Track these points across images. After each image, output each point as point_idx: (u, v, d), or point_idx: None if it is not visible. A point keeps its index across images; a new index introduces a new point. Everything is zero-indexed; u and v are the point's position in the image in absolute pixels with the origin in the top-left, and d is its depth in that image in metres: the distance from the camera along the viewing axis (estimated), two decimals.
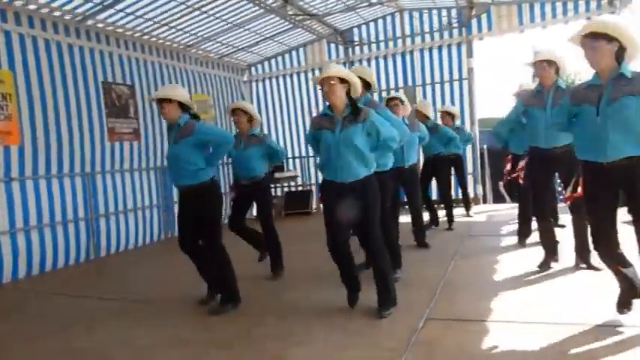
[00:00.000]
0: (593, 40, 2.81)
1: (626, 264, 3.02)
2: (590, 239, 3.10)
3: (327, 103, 3.68)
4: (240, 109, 5.13)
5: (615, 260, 3.01)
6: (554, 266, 4.49)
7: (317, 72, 10.39)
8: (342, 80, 3.54)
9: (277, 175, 9.81)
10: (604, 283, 3.80)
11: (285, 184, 10.77)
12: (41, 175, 6.22)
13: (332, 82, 3.51)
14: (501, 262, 4.95)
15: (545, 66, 4.20)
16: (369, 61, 10.19)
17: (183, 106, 4.06)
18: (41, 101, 6.20)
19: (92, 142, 6.93)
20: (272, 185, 10.69)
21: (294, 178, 10.55)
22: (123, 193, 7.43)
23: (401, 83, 9.94)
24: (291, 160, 10.75)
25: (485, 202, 9.68)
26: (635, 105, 2.72)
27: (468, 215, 8.00)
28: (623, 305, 3.08)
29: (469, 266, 4.93)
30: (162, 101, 4.00)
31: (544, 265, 4.48)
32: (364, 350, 3.08)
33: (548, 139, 4.14)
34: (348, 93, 3.59)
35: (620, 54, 2.79)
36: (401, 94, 6.00)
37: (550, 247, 4.51)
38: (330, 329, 3.45)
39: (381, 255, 3.71)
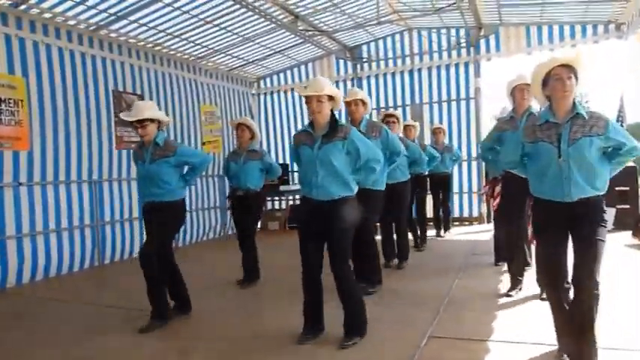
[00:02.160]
0: (568, 71, 2.74)
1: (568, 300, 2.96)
2: (537, 273, 3.00)
3: (309, 119, 3.58)
4: (244, 124, 5.39)
5: (561, 294, 2.94)
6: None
7: None
8: (329, 97, 3.46)
9: (282, 188, 9.85)
10: (610, 307, 3.79)
11: (290, 197, 10.80)
12: (49, 181, 6.27)
13: (322, 100, 3.41)
14: (505, 281, 4.93)
15: (525, 90, 4.22)
16: (376, 77, 10.27)
17: (159, 123, 4.12)
18: (52, 108, 6.28)
19: (100, 149, 7.00)
20: (271, 198, 10.82)
21: (298, 191, 10.56)
22: (129, 202, 7.46)
23: (408, 101, 10.01)
24: (296, 174, 10.77)
25: (489, 221, 9.65)
26: (593, 146, 2.71)
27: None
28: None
29: (472, 285, 4.92)
30: (142, 121, 3.97)
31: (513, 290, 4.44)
32: None
33: None
34: (331, 109, 3.50)
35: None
36: (398, 112, 6.11)
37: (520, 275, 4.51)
38: (333, 344, 3.44)
39: (349, 280, 3.51)
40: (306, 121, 3.88)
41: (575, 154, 2.70)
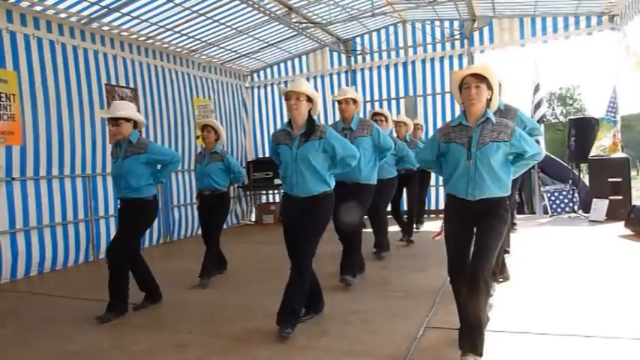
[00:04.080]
0: (479, 80, 2.90)
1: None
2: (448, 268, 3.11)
3: (288, 118, 3.74)
4: (210, 126, 5.41)
5: (461, 287, 3.02)
6: (551, 280, 4.51)
7: (319, 79, 10.49)
8: (308, 98, 3.61)
9: (277, 181, 9.84)
10: (605, 295, 3.84)
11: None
12: (42, 176, 6.23)
13: (300, 98, 3.57)
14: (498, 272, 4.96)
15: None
16: (370, 70, 10.26)
17: (135, 124, 4.27)
18: (44, 102, 6.23)
19: (93, 144, 6.97)
20: (265, 192, 10.79)
21: None
22: None
23: (402, 93, 10.02)
24: None
25: None
26: (500, 150, 2.90)
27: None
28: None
29: None
30: (117, 119, 4.14)
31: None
32: (364, 358, 3.10)
33: None
34: (309, 111, 3.65)
35: (488, 103, 2.97)
36: (385, 110, 6.10)
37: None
38: (329, 336, 3.46)
39: (305, 273, 3.57)
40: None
41: (482, 157, 2.90)
